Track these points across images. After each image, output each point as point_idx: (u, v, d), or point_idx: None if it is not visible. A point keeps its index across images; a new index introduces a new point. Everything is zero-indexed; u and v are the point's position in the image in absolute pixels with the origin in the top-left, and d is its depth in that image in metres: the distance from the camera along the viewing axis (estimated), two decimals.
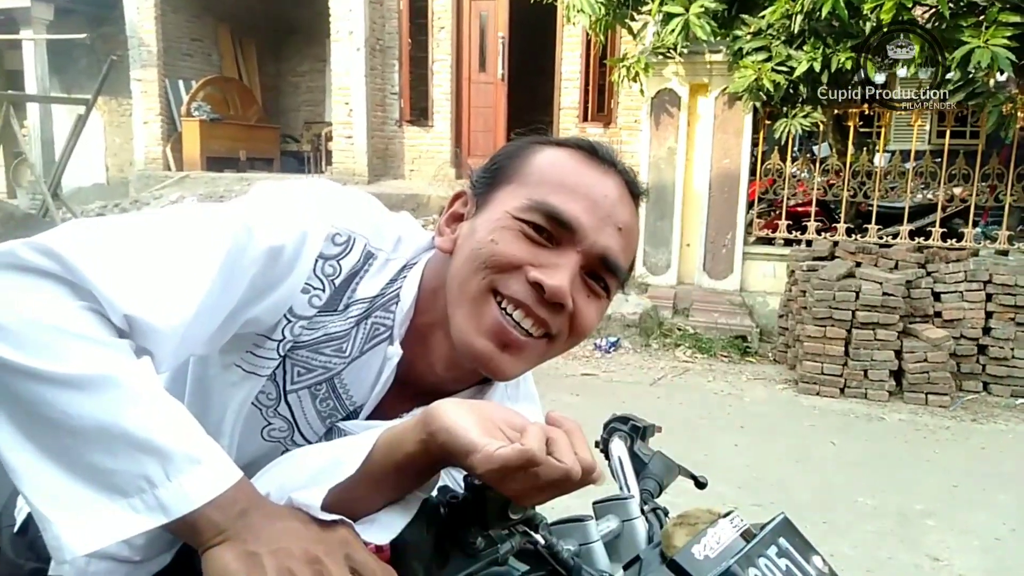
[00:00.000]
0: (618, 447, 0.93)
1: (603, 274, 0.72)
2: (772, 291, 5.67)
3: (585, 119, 8.29)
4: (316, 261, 0.71)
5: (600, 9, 5.33)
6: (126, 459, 0.54)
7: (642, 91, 6.07)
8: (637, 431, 0.97)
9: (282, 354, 0.74)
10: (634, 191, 0.76)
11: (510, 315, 0.70)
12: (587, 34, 7.10)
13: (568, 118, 8.34)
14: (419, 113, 8.77)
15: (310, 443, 0.79)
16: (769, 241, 5.93)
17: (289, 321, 0.72)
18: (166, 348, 0.62)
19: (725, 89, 5.52)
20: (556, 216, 0.70)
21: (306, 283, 0.71)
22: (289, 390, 0.76)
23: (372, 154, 8.52)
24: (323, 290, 0.73)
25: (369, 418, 0.78)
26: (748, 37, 5.22)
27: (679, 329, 5.48)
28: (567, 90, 8.30)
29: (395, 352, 0.75)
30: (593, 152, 0.75)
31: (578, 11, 5.24)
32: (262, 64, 10.37)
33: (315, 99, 10.78)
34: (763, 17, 5.10)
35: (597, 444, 0.96)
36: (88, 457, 0.54)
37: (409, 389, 0.77)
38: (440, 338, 0.75)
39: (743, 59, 5.18)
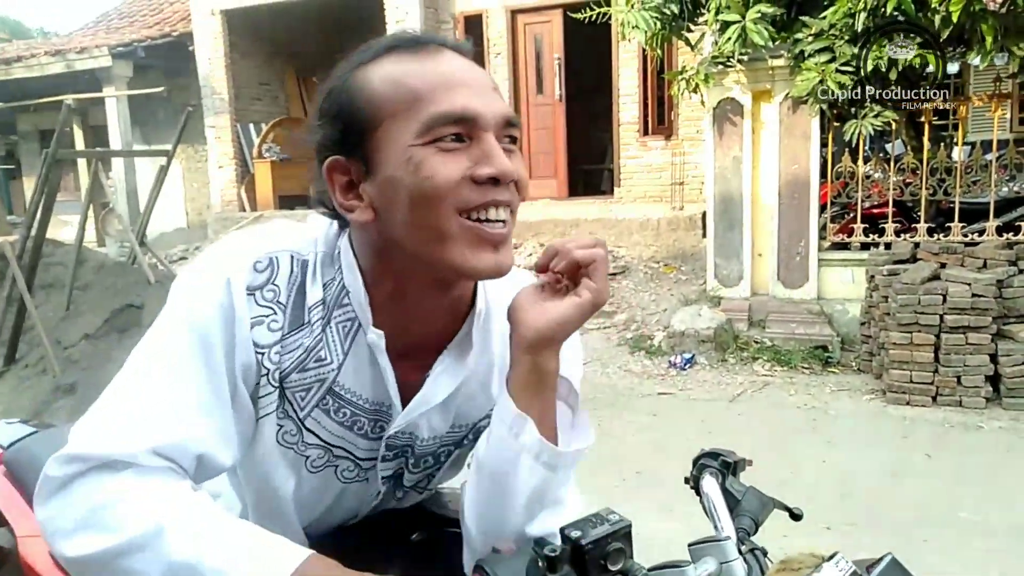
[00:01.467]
0: (709, 485, 0.91)
1: (511, 131, 0.74)
2: (851, 298, 5.46)
3: (645, 133, 8.24)
4: (248, 296, 0.73)
5: (655, 24, 5.31)
6: None
7: (703, 102, 6.00)
8: (728, 467, 0.94)
9: (275, 385, 0.76)
10: (463, 50, 0.76)
11: (488, 219, 0.71)
12: (643, 48, 7.08)
13: (628, 133, 8.31)
14: None
15: (355, 457, 0.84)
16: (845, 246, 5.72)
17: (261, 352, 0.74)
18: (223, 452, 0.72)
19: (789, 94, 5.39)
20: (457, 116, 0.70)
21: (251, 318, 0.73)
22: (303, 417, 0.79)
23: None
24: (275, 313, 0.75)
25: (423, 393, 0.81)
26: (809, 39, 5.09)
27: (756, 342, 5.34)
28: (626, 105, 8.27)
29: (377, 337, 0.77)
30: (421, 43, 0.74)
31: (633, 27, 5.24)
32: None
33: None
34: (824, 18, 4.98)
35: (687, 480, 0.95)
36: None
37: (400, 356, 0.79)
38: (402, 301, 0.77)
39: (805, 62, 5.06)
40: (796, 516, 0.93)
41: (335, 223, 0.79)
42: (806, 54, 5.09)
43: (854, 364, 5.04)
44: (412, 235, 0.71)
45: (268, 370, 0.75)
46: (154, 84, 9.15)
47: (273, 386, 0.76)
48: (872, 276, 4.99)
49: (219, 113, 9.34)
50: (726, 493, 0.91)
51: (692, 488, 0.95)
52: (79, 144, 11.37)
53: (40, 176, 5.32)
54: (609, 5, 6.15)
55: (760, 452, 3.60)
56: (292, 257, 0.76)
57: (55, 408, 4.82)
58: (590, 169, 10.30)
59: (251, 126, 9.66)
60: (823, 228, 5.74)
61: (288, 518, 0.85)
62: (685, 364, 5.16)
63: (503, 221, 0.72)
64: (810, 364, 5.04)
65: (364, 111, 0.72)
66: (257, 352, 0.74)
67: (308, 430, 0.80)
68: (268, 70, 10.08)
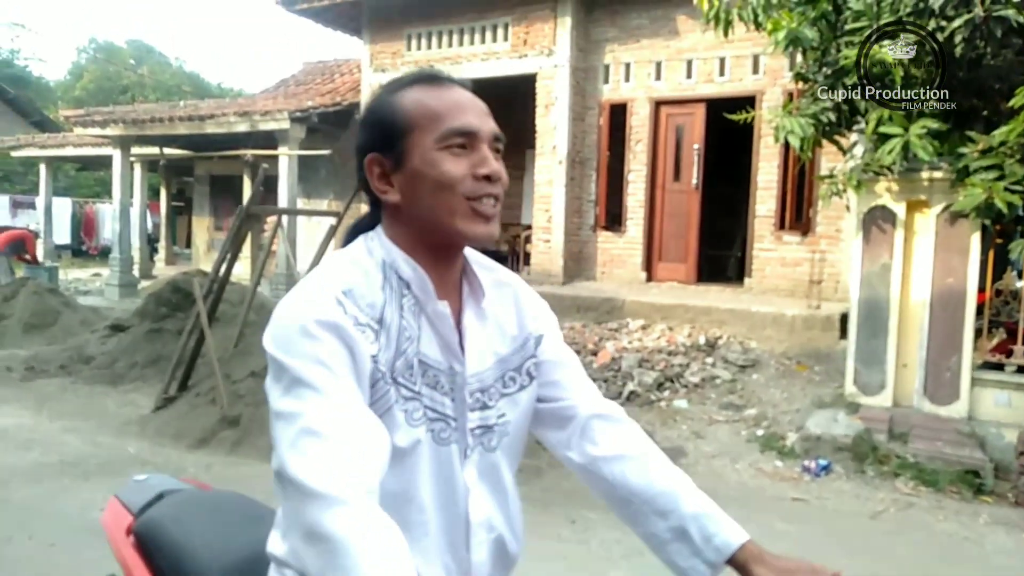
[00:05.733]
0: None
1: (497, 144, 1.03)
2: (1007, 422, 5.17)
3: (781, 227, 8.23)
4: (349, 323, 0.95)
5: (810, 129, 5.42)
6: None
7: (848, 207, 5.99)
8: None
9: (390, 381, 0.98)
10: (466, 86, 1.05)
11: (483, 201, 0.99)
12: (785, 145, 7.17)
13: (763, 226, 8.33)
14: (612, 219, 9.18)
15: (446, 416, 1.02)
16: (999, 366, 5.46)
17: (375, 360, 0.97)
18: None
19: (948, 207, 5.32)
20: (463, 131, 0.99)
21: (360, 338, 0.95)
22: (419, 391, 1.00)
23: (567, 257, 8.99)
24: (366, 329, 0.96)
25: (467, 340, 1.05)
26: (975, 155, 5.04)
27: (897, 456, 5.13)
28: (763, 198, 8.32)
29: (444, 308, 1.03)
30: (440, 78, 1.04)
31: (788, 132, 5.37)
32: None
33: (512, 203, 11.60)
34: (994, 136, 4.93)
35: None
36: None
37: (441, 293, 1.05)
38: (435, 265, 1.03)
39: (970, 177, 5.00)
40: None
41: (366, 237, 1.05)
42: (970, 169, 5.03)
43: (1010, 495, 4.74)
44: (432, 210, 0.99)
45: (383, 372, 0.97)
46: (321, 146, 10.10)
47: (387, 383, 0.97)
48: None
49: None
50: None
51: None
52: (247, 192, 12.56)
53: (232, 227, 6.01)
54: (754, 107, 6.34)
55: None
56: (344, 292, 0.96)
57: (220, 437, 5.28)
58: (715, 255, 10.34)
59: None
60: (976, 341, 5.51)
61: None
62: (820, 471, 5.03)
63: (493, 204, 1.00)
64: (959, 489, 4.79)
65: (398, 122, 1.00)
66: (372, 360, 0.96)
67: (424, 405, 1.01)
68: None
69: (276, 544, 1.08)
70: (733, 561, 1.04)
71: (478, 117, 1.01)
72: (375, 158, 1.01)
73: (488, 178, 0.99)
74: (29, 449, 4.94)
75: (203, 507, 1.41)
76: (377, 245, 1.03)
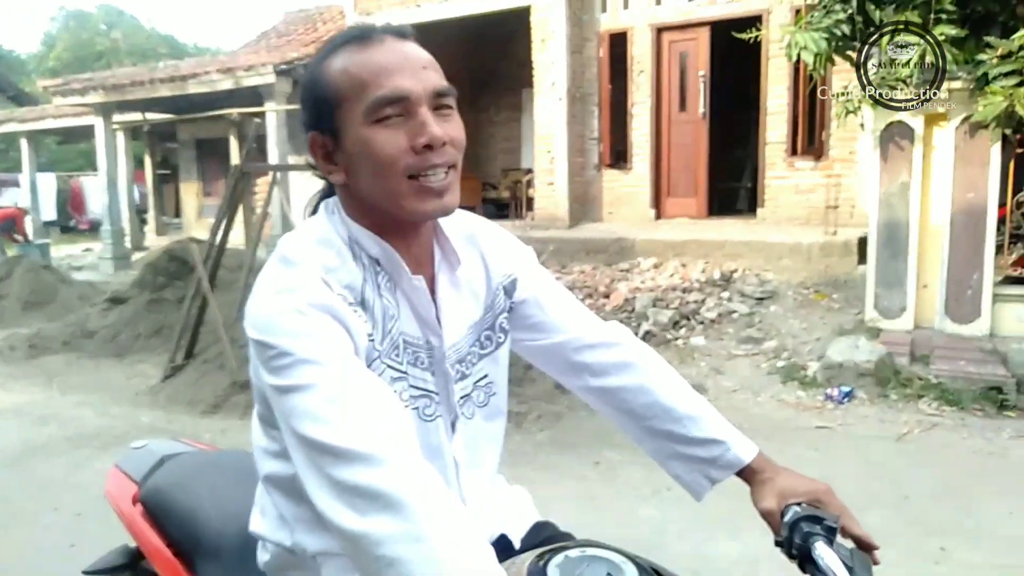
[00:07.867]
0: (825, 551, 0.88)
1: (443, 100, 0.89)
2: None
3: (794, 153, 7.99)
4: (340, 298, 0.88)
5: (823, 44, 5.17)
6: None
7: (863, 125, 5.78)
8: (832, 531, 0.92)
9: (385, 361, 0.92)
10: (404, 34, 0.91)
11: (430, 176, 0.86)
12: (795, 66, 6.89)
13: (775, 153, 8.10)
14: (618, 156, 8.92)
15: (429, 391, 0.97)
16: (1020, 281, 5.34)
17: (372, 339, 0.90)
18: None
19: (968, 118, 5.11)
20: (392, 98, 0.86)
21: (353, 319, 0.88)
22: (406, 371, 0.95)
23: (573, 199, 8.77)
24: (353, 305, 0.89)
25: (443, 312, 0.98)
26: (995, 61, 4.81)
27: (920, 378, 5.06)
28: (773, 124, 8.06)
29: (420, 282, 0.94)
30: (367, 36, 0.89)
31: (802, 48, 5.12)
32: (462, 116, 11.07)
33: (511, 147, 11.34)
34: (1012, 39, 4.69)
35: (779, 544, 0.95)
36: None
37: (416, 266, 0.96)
38: (396, 237, 0.93)
39: (990, 85, 4.78)
40: None
41: (327, 211, 0.94)
42: (990, 77, 4.81)
43: None
44: (374, 193, 0.89)
45: (379, 352, 0.91)
46: None
47: (382, 362, 0.91)
48: None
49: None
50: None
51: (787, 553, 0.93)
52: (234, 154, 12.27)
53: (227, 187, 5.81)
54: (761, 27, 6.05)
55: (939, 498, 3.41)
56: (326, 273, 0.88)
57: (233, 402, 5.21)
58: (725, 187, 10.12)
59: None
60: (996, 256, 5.36)
61: None
62: (843, 398, 4.96)
63: (443, 175, 0.88)
64: (982, 406, 4.73)
65: (327, 96, 0.88)
66: (369, 338, 0.90)
67: (410, 384, 0.95)
68: None
69: (259, 523, 1.03)
70: (740, 475, 1.06)
71: (410, 76, 0.86)
72: (315, 136, 0.91)
73: (429, 147, 0.86)
74: (45, 424, 4.89)
75: (207, 468, 1.37)
76: (339, 221, 0.93)
